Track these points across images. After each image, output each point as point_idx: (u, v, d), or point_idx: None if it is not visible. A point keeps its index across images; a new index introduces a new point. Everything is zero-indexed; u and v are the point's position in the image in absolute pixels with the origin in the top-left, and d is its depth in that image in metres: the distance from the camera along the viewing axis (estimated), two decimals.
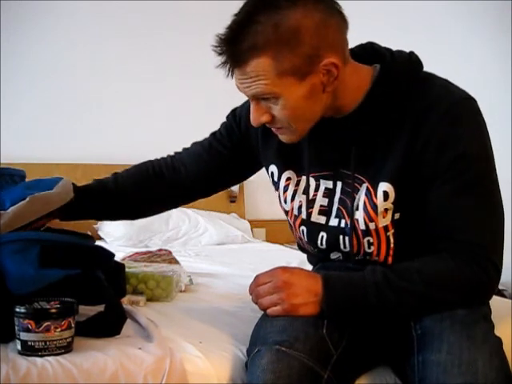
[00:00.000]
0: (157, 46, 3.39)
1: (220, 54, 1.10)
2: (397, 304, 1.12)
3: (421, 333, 1.12)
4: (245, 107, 1.36)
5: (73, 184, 1.40)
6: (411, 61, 1.19)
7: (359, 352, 1.16)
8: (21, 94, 3.11)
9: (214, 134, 1.45)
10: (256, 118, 1.16)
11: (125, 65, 3.31)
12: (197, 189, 1.49)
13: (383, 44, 1.27)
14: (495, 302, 1.22)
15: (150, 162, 1.51)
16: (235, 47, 1.08)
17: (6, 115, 3.01)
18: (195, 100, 3.44)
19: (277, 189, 1.33)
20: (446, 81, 1.20)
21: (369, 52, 1.23)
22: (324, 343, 1.09)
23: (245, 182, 3.25)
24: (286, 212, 1.33)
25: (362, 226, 1.20)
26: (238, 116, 1.40)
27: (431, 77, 1.20)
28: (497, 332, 1.13)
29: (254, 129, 1.30)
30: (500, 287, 2.28)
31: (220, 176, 1.46)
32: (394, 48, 1.24)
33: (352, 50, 1.21)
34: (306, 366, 1.04)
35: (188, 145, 1.51)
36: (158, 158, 1.52)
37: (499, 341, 1.10)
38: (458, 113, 1.13)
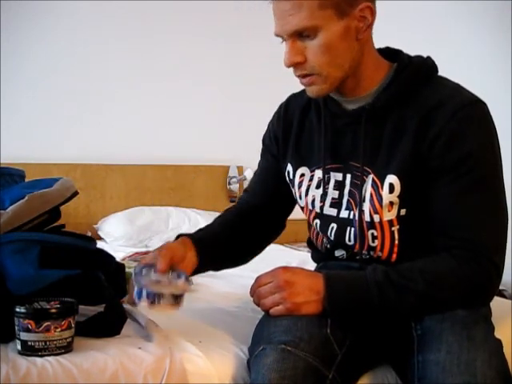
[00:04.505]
0: (157, 46, 3.38)
1: None
2: (398, 303, 1.12)
3: (421, 333, 1.12)
4: (268, 130, 1.43)
5: (189, 236, 1.30)
6: (426, 63, 1.23)
7: (362, 352, 1.16)
8: (21, 94, 3.10)
9: (261, 156, 1.47)
10: (290, 56, 1.17)
11: (125, 65, 3.31)
12: (271, 211, 1.43)
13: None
14: (495, 302, 1.22)
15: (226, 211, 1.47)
16: None
17: (6, 115, 3.00)
18: (195, 101, 3.43)
19: (293, 186, 1.36)
20: (458, 84, 1.22)
21: (389, 53, 1.26)
22: (329, 343, 1.10)
23: (244, 182, 3.24)
24: (302, 208, 1.35)
25: (367, 218, 1.21)
26: (263, 138, 1.45)
27: (444, 79, 1.23)
28: (497, 333, 1.13)
29: (275, 138, 1.37)
30: (500, 287, 2.27)
31: (283, 193, 1.40)
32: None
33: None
34: (310, 366, 1.04)
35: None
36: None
37: (499, 342, 1.10)
38: (468, 113, 1.15)
